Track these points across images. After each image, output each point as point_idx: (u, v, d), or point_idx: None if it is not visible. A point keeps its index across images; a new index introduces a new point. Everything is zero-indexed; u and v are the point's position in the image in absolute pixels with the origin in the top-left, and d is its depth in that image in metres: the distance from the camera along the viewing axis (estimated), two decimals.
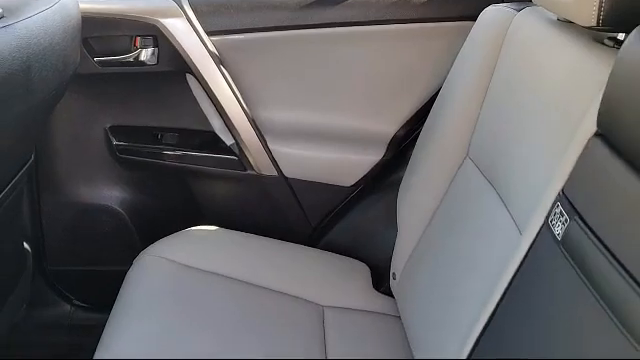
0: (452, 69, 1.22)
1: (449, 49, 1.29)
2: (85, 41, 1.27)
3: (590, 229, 0.64)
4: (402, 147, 1.42)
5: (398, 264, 1.26)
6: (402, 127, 1.41)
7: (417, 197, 1.23)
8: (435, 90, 1.34)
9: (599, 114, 0.67)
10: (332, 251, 1.43)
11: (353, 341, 1.18)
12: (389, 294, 1.30)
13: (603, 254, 0.61)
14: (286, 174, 1.43)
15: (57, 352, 1.38)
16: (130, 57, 1.32)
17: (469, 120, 1.13)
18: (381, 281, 1.34)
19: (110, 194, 1.46)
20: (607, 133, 0.66)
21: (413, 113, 1.40)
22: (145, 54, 1.32)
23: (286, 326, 1.17)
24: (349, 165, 1.43)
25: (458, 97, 1.16)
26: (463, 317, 0.89)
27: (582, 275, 0.63)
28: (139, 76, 1.36)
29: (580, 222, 0.65)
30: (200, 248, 1.32)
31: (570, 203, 0.68)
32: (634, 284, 0.56)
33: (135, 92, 1.41)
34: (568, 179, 0.71)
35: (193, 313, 1.14)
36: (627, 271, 0.58)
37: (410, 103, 1.39)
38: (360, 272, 1.37)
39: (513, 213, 0.89)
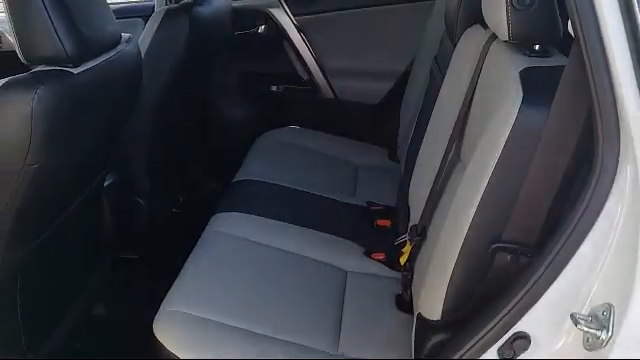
0: (425, 29, 2.21)
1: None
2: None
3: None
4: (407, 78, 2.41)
5: (399, 139, 2.25)
6: (407, 67, 2.40)
7: (408, 98, 2.22)
8: None
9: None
10: (366, 142, 2.44)
11: (370, 180, 2.17)
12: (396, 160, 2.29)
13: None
14: (339, 97, 2.48)
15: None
16: (253, 30, 2.44)
17: (431, 55, 2.10)
18: (392, 154, 2.33)
19: (241, 111, 2.58)
20: None
21: (413, 58, 2.38)
22: (261, 28, 2.44)
23: (332, 174, 2.18)
24: (377, 89, 2.46)
25: (426, 45, 2.15)
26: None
27: None
28: (258, 41, 2.47)
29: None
30: (291, 135, 2.38)
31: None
32: None
33: (255, 51, 2.52)
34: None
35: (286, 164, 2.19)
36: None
37: (411, 52, 2.38)
38: (380, 150, 2.38)
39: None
